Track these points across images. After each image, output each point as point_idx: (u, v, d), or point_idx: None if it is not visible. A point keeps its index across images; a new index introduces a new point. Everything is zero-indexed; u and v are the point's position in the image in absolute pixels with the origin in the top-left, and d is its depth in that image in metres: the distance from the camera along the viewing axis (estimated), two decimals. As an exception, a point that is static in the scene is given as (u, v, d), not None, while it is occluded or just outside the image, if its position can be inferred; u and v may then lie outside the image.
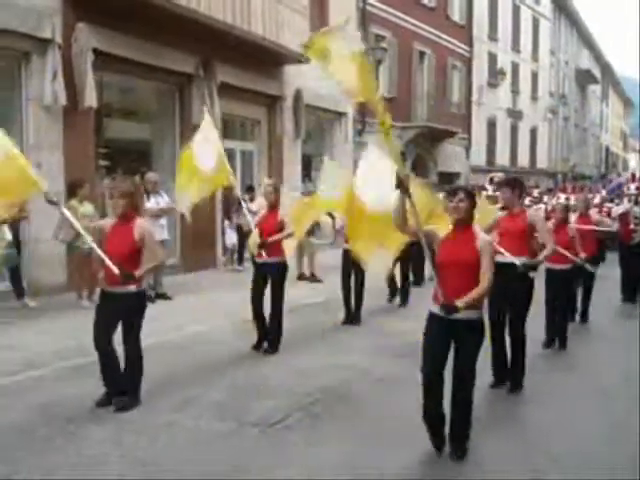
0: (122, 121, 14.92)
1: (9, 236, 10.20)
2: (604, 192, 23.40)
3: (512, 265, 7.08)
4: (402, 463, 5.27)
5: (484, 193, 15.40)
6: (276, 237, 8.56)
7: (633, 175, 24.66)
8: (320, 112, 21.33)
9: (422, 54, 28.91)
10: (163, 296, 11.80)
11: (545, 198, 21.94)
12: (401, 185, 5.13)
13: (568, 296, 9.58)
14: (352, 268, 10.69)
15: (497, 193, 13.80)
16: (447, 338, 5.23)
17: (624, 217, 13.76)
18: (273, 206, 8.79)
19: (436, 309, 5.26)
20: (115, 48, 12.68)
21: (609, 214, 16.24)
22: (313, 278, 14.55)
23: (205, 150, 9.03)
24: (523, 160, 40.45)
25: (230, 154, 17.30)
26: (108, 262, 6.14)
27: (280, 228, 8.65)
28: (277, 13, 16.98)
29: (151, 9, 12.67)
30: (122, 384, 6.42)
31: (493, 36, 36.23)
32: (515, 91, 39.36)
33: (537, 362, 8.17)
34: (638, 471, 5.11)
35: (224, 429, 5.93)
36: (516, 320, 7.30)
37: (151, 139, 15.59)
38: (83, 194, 10.92)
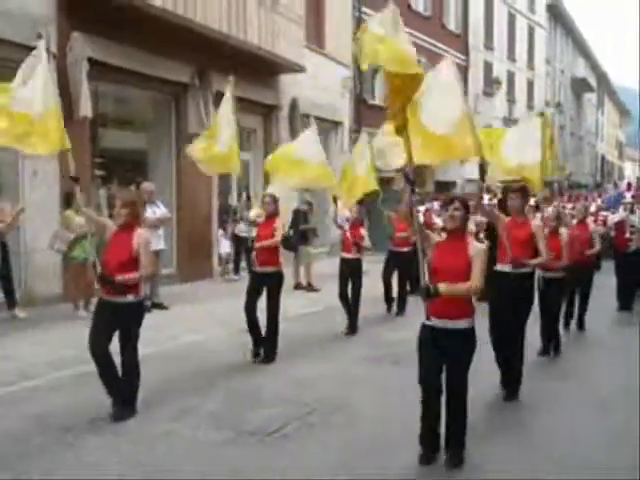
0: (118, 131, 14.89)
1: None
2: (599, 201, 23.41)
3: (511, 274, 7.10)
4: (399, 472, 5.25)
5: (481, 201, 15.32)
6: (263, 244, 8.66)
7: (629, 184, 24.67)
8: (316, 121, 21.30)
9: (418, 63, 28.92)
10: (159, 306, 11.77)
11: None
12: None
13: (559, 303, 9.55)
14: (349, 277, 10.70)
15: (494, 201, 13.84)
16: (439, 348, 5.22)
17: (620, 225, 13.78)
18: (271, 216, 8.82)
19: (428, 320, 5.28)
20: (110, 57, 12.66)
21: (605, 223, 16.26)
22: (310, 287, 14.53)
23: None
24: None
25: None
26: (96, 262, 6.27)
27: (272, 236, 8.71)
28: (273, 22, 17.01)
29: (147, 18, 12.67)
30: (120, 392, 6.39)
31: (489, 45, 36.36)
32: (511, 100, 39.45)
33: (534, 369, 8.15)
34: (638, 473, 5.10)
35: (221, 438, 5.90)
36: (515, 328, 7.28)
37: (147, 149, 15.56)
38: (79, 204, 10.85)
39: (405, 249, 12.15)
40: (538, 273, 8.75)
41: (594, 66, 61.88)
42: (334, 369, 8.32)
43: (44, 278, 11.59)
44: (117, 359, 6.40)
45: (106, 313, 6.34)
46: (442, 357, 5.23)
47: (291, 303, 12.12)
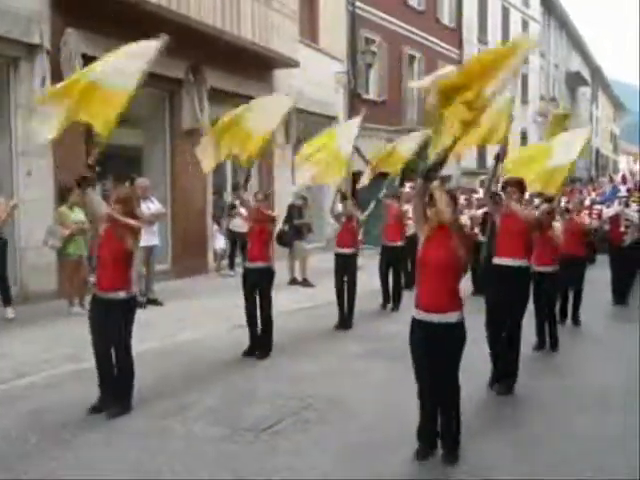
0: (112, 127, 14.84)
1: None
2: (594, 194, 23.40)
3: (509, 267, 7.13)
4: (395, 468, 5.25)
5: (475, 196, 15.37)
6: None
7: (624, 176, 24.63)
8: (311, 116, 21.30)
9: (412, 57, 28.93)
10: (154, 302, 11.75)
11: (536, 201, 21.88)
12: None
13: (554, 297, 9.57)
14: (345, 272, 10.70)
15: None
16: (429, 343, 5.22)
17: (615, 219, 13.80)
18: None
19: (417, 314, 5.28)
20: (104, 53, 12.55)
21: (600, 216, 16.27)
22: (305, 283, 14.53)
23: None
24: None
25: (221, 159, 17.32)
26: None
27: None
28: (267, 17, 16.97)
29: (141, 14, 12.63)
30: (117, 390, 6.40)
31: (483, 39, 36.30)
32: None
33: (529, 364, 8.16)
34: (638, 473, 5.11)
35: (217, 434, 5.91)
36: (513, 322, 7.30)
37: (141, 144, 15.52)
38: (73, 200, 10.83)
39: (398, 243, 12.16)
40: (532, 267, 8.78)
41: (588, 60, 61.87)
42: (330, 364, 8.33)
43: (39, 275, 11.57)
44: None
45: (100, 310, 6.34)
46: (433, 352, 5.23)
47: (286, 298, 12.15)
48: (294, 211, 15.07)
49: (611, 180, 25.77)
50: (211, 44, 14.81)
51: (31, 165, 11.45)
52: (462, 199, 13.60)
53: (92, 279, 6.52)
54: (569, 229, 10.50)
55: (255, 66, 17.27)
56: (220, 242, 16.20)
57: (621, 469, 5.31)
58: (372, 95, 25.71)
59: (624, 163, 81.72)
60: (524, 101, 42.46)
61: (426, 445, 5.39)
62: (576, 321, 11.11)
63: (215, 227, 16.37)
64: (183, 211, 15.36)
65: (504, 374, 7.26)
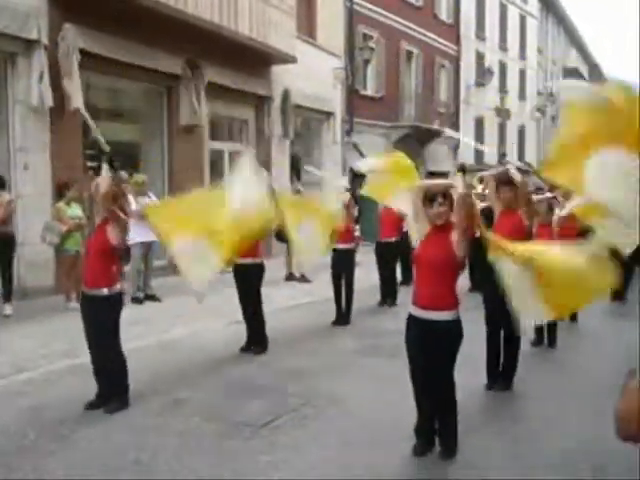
0: (109, 122, 14.83)
1: None
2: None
3: None
4: (394, 463, 5.26)
5: (472, 191, 15.33)
6: None
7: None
8: (308, 112, 21.31)
9: (410, 53, 28.92)
10: (152, 298, 11.76)
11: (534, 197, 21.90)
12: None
13: None
14: (341, 268, 10.70)
15: (486, 191, 13.80)
16: (425, 339, 5.20)
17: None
18: None
19: (414, 310, 5.28)
20: (102, 49, 12.62)
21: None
22: (302, 278, 14.52)
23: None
24: (511, 159, 40.47)
25: (218, 155, 17.35)
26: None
27: None
28: (264, 13, 16.96)
29: (138, 9, 12.63)
30: (111, 386, 6.40)
31: (480, 35, 36.29)
32: (503, 90, 39.41)
33: (527, 360, 8.15)
34: (638, 473, 5.10)
35: (214, 430, 5.91)
36: (512, 318, 7.28)
37: (139, 140, 15.52)
38: (71, 196, 10.82)
39: (392, 239, 12.15)
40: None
41: (586, 56, 61.83)
42: (328, 360, 8.33)
43: (36, 270, 11.57)
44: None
45: (84, 306, 6.35)
46: (428, 349, 5.21)
47: (284, 294, 12.16)
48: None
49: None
50: (209, 40, 14.80)
51: (28, 161, 11.44)
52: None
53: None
54: (565, 225, 10.48)
55: (253, 62, 17.27)
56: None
57: (621, 467, 5.30)
58: (370, 91, 25.74)
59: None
60: (522, 97, 42.50)
61: (424, 442, 5.40)
62: (573, 317, 11.11)
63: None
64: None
65: (503, 371, 7.27)
